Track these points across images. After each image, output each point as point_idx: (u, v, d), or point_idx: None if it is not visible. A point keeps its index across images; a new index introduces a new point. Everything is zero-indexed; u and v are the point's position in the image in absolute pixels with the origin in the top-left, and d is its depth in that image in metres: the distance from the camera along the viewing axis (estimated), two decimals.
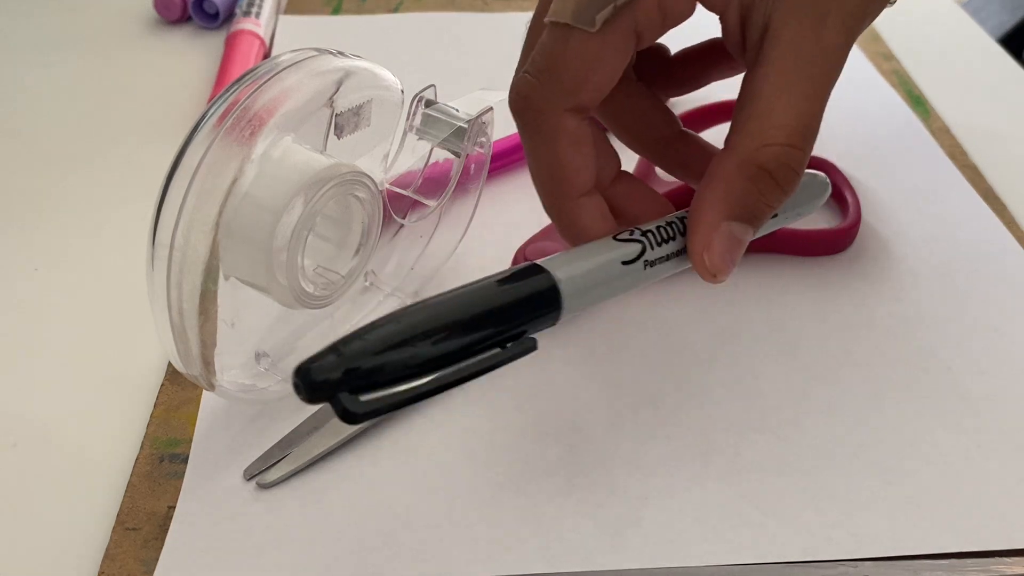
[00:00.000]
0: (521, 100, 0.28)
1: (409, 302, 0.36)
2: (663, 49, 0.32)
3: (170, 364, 0.34)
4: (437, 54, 0.53)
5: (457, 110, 0.34)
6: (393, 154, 0.33)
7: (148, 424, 0.32)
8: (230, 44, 0.51)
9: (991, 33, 0.57)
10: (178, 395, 0.33)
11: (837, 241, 0.39)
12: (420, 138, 0.34)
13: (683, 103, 0.47)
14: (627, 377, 0.34)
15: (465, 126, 0.34)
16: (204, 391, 0.33)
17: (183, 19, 0.56)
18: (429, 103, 0.34)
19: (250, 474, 0.30)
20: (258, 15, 0.53)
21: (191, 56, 0.53)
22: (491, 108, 0.35)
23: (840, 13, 0.26)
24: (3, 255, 0.39)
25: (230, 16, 0.55)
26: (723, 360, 0.34)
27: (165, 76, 0.51)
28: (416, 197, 0.34)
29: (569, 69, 0.27)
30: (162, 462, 0.31)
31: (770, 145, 0.26)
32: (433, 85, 0.34)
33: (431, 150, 0.34)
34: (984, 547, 0.28)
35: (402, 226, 0.35)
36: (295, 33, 0.54)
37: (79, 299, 0.37)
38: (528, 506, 0.29)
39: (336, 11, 0.57)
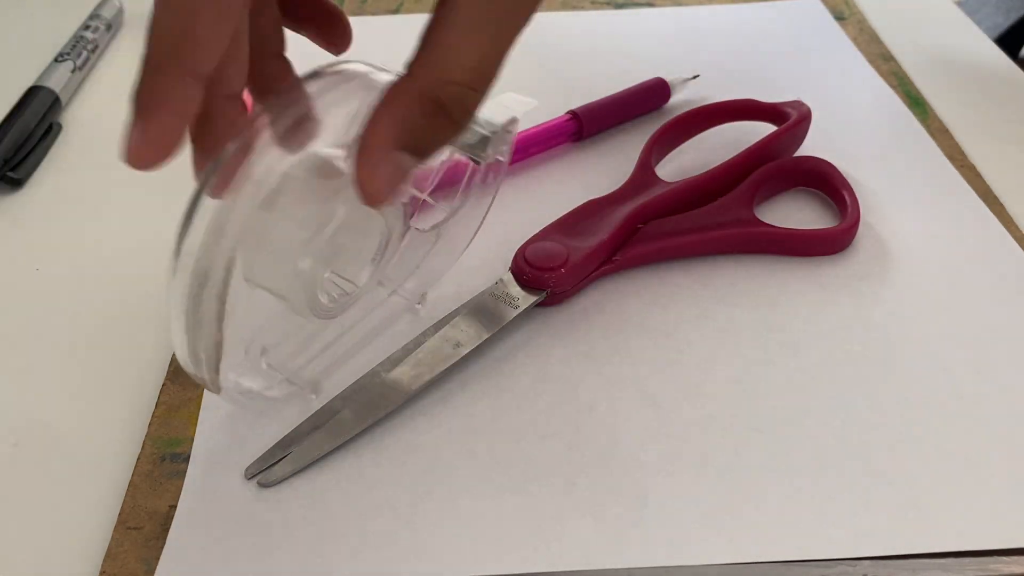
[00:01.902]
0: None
1: (414, 303, 0.36)
2: None
3: (171, 363, 0.34)
4: None
5: (480, 117, 0.33)
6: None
7: (149, 423, 0.32)
8: None
9: (986, 34, 0.57)
10: (179, 395, 0.33)
11: (836, 241, 0.39)
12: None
13: (682, 105, 0.48)
14: (627, 377, 0.34)
15: (490, 135, 0.33)
16: (205, 390, 0.33)
17: None
18: None
19: (251, 473, 0.30)
20: None
21: None
22: (517, 120, 0.33)
23: None
24: (3, 255, 0.40)
25: None
26: (723, 360, 0.34)
27: None
28: (431, 200, 0.34)
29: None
30: (163, 461, 0.31)
31: (452, 83, 0.25)
32: None
33: (451, 156, 0.34)
34: (982, 546, 0.28)
35: (410, 228, 0.35)
36: (296, 34, 0.54)
37: (79, 299, 0.38)
38: (528, 506, 0.29)
39: None
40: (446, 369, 0.33)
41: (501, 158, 0.34)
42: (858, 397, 0.33)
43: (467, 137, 0.33)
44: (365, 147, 0.26)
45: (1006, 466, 0.31)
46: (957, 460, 0.31)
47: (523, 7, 0.27)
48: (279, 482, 0.30)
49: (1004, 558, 0.28)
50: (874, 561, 0.28)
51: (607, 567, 0.28)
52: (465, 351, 0.33)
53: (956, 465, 0.31)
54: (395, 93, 0.26)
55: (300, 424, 0.31)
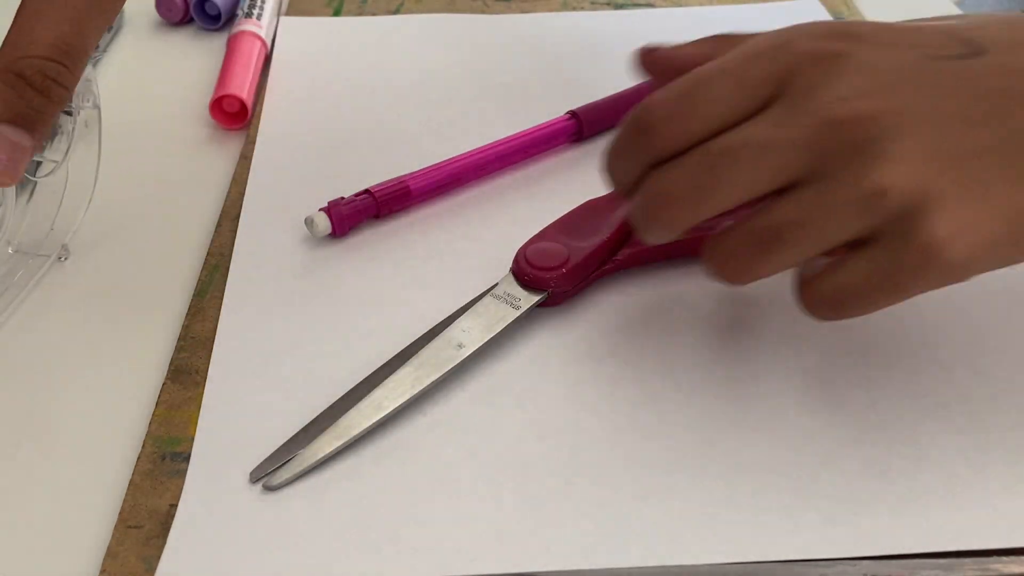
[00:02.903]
0: None
1: (53, 257, 0.38)
2: None
3: (171, 363, 0.34)
4: (437, 55, 0.53)
5: None
6: None
7: (149, 422, 0.32)
8: (232, 45, 0.51)
9: None
10: (180, 394, 0.33)
11: None
12: None
13: None
14: (627, 377, 0.34)
15: None
16: (206, 390, 0.33)
17: (185, 20, 0.56)
18: None
19: (256, 476, 0.30)
20: (259, 16, 0.53)
21: (193, 57, 0.53)
22: (92, 68, 0.37)
23: None
24: None
25: (232, 17, 0.55)
26: (723, 359, 0.34)
27: (167, 77, 0.51)
28: (40, 158, 0.37)
29: None
30: (164, 460, 0.31)
31: (30, 57, 0.30)
32: None
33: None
34: (982, 546, 0.28)
35: (36, 185, 0.37)
36: (296, 34, 0.55)
37: (81, 298, 0.38)
38: (528, 506, 0.29)
39: (337, 12, 0.58)
40: (449, 370, 0.33)
41: (91, 107, 0.38)
42: (857, 396, 0.33)
43: None
44: None
45: (1005, 466, 0.31)
46: (956, 460, 0.31)
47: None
48: (284, 485, 0.30)
49: (1004, 558, 0.28)
50: (874, 561, 0.28)
51: (607, 567, 0.28)
52: (467, 352, 0.33)
53: (955, 465, 0.31)
54: None
55: (303, 427, 0.31)
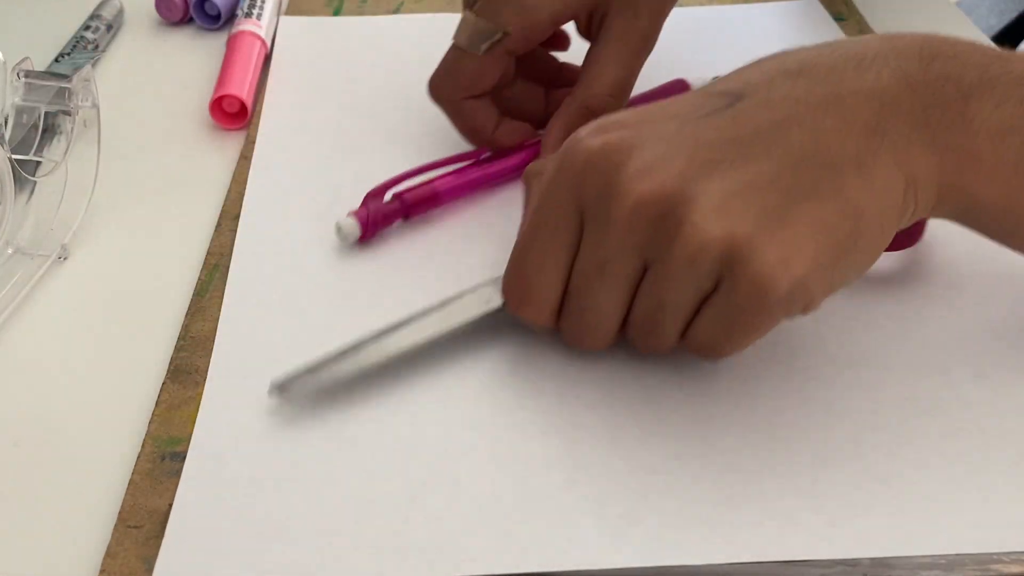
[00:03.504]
0: (434, 91, 0.42)
1: (53, 257, 0.39)
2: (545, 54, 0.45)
3: (171, 363, 0.34)
4: (437, 55, 0.53)
5: (60, 73, 0.39)
6: (10, 126, 0.37)
7: (149, 422, 0.32)
8: (231, 45, 0.51)
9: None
10: (179, 394, 0.33)
11: None
12: (28, 104, 0.38)
13: None
14: (628, 377, 0.34)
15: (70, 86, 0.39)
16: (206, 390, 0.33)
17: (185, 20, 0.56)
18: (28, 73, 0.38)
19: (274, 389, 0.32)
20: (259, 16, 0.53)
21: (193, 57, 0.53)
22: (91, 68, 0.40)
23: (647, 6, 0.40)
24: None
25: (231, 17, 0.55)
26: (724, 361, 0.34)
27: (167, 77, 0.51)
28: (40, 158, 0.38)
29: (463, 76, 0.41)
30: (163, 460, 0.31)
31: (597, 94, 0.40)
32: (28, 57, 0.39)
33: (42, 114, 0.38)
34: (981, 549, 0.28)
35: (36, 184, 0.39)
36: (296, 34, 0.55)
37: (81, 298, 0.38)
38: (528, 504, 0.29)
39: (337, 12, 0.58)
40: (477, 318, 0.34)
41: (90, 107, 0.40)
42: (857, 398, 0.33)
43: (48, 95, 0.39)
44: (544, 146, 0.40)
45: (1004, 468, 0.31)
46: (956, 462, 0.31)
47: (645, 48, 0.41)
48: (297, 393, 0.32)
49: (1004, 558, 0.28)
50: (874, 561, 0.28)
51: (607, 567, 0.28)
52: (496, 304, 0.34)
53: (954, 467, 0.31)
54: (564, 107, 0.41)
55: (325, 356, 0.32)
